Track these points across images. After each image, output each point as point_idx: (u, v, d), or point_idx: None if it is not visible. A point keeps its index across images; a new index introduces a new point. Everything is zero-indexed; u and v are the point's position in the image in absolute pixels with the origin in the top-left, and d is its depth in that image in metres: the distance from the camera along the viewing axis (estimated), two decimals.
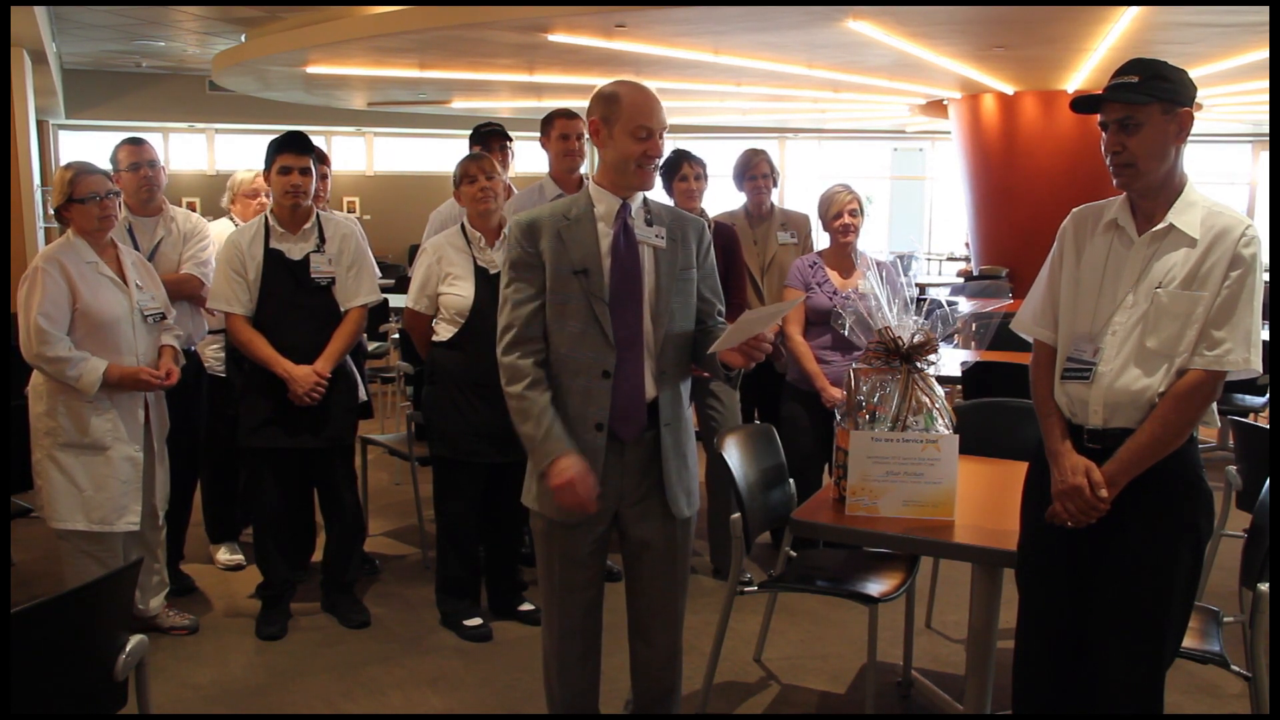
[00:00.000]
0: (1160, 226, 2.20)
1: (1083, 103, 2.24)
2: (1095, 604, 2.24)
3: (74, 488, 3.38)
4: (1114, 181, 2.23)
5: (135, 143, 3.94)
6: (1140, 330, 2.19)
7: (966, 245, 12.59)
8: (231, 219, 4.44)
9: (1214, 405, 2.26)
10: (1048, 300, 2.38)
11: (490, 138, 4.42)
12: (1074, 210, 2.39)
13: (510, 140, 4.50)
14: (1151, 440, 2.15)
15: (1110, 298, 2.24)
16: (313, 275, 3.65)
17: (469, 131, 4.53)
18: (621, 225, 2.44)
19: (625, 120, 2.38)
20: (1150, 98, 2.14)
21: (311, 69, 9.73)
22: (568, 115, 4.21)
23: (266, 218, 3.68)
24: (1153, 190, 2.21)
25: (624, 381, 2.43)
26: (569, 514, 2.45)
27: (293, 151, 3.60)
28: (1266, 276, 2.14)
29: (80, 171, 3.38)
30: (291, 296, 3.63)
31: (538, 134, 4.34)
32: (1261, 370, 2.15)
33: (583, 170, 4.31)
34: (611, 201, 2.45)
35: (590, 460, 2.42)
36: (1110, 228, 2.28)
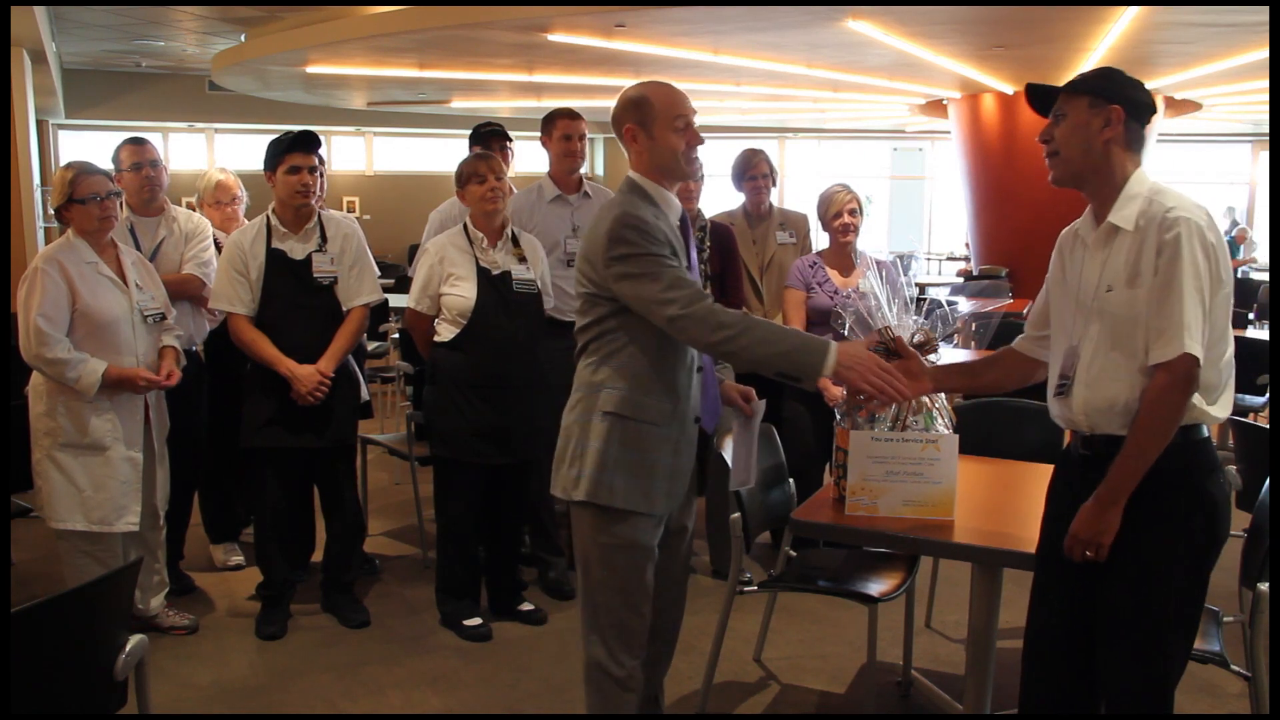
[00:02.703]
0: (1103, 227, 2.19)
1: (1034, 96, 2.27)
2: (1099, 606, 2.23)
3: (73, 488, 3.38)
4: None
5: (137, 142, 3.94)
6: (1105, 338, 2.17)
7: (966, 245, 12.60)
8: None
9: (1202, 401, 2.20)
10: (1039, 317, 2.45)
11: (490, 138, 4.39)
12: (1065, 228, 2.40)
13: (510, 140, 4.48)
14: (1137, 450, 2.11)
15: (1083, 309, 2.23)
16: (315, 275, 3.64)
17: (469, 131, 4.52)
18: (682, 219, 2.52)
19: (662, 117, 2.41)
20: (1079, 91, 2.17)
21: (311, 69, 9.73)
22: (571, 115, 4.19)
23: (269, 217, 3.68)
24: (1089, 185, 2.21)
25: (707, 375, 2.56)
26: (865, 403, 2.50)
27: (302, 150, 3.60)
28: (1207, 257, 2.04)
29: (80, 172, 3.38)
30: (294, 296, 3.63)
31: (537, 134, 4.33)
32: (1201, 355, 2.04)
33: (582, 171, 4.31)
34: (675, 200, 2.51)
35: (688, 453, 2.50)
36: (1079, 238, 2.28)
